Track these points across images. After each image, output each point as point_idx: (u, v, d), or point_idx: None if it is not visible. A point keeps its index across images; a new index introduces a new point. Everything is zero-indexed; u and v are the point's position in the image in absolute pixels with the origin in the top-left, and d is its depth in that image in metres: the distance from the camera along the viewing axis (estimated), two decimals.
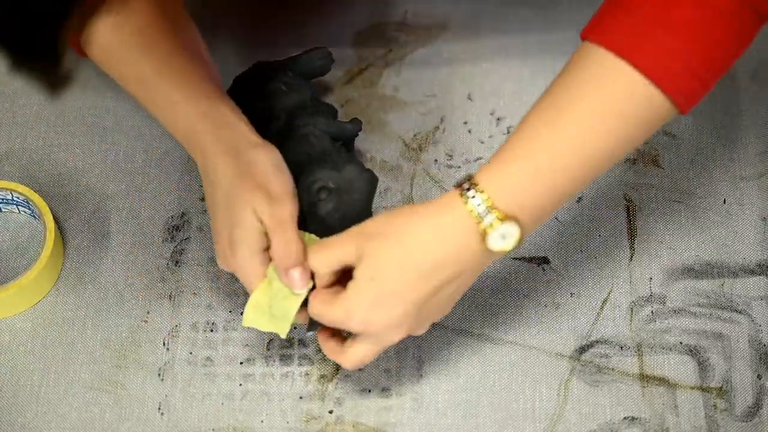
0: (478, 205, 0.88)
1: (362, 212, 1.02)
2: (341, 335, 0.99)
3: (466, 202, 0.89)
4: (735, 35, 0.87)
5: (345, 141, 1.11)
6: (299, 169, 1.03)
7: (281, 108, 1.09)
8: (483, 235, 0.89)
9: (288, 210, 0.96)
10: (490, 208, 0.88)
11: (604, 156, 0.89)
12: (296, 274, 0.96)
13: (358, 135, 1.12)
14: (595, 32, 0.88)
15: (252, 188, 0.96)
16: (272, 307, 0.98)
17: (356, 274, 0.92)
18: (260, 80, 1.11)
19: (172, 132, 1.01)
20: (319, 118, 1.08)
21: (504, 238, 0.89)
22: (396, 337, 0.94)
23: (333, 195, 1.01)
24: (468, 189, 0.89)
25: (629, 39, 0.86)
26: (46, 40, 0.67)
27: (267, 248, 0.97)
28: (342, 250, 0.94)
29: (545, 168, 0.88)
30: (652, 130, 0.89)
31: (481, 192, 0.88)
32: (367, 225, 0.94)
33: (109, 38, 0.99)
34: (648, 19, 0.86)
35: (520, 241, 0.89)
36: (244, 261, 0.96)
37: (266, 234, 0.96)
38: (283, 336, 0.98)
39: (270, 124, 1.08)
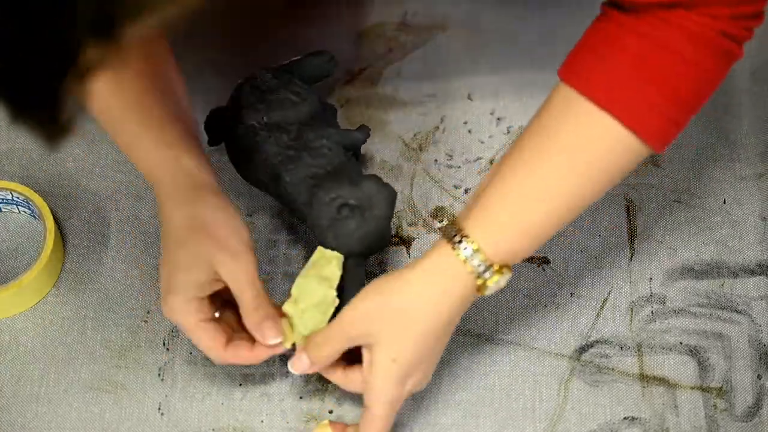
0: (477, 264, 0.91)
1: (383, 228, 1.03)
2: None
3: (464, 261, 0.91)
4: (708, 78, 0.89)
5: (354, 150, 1.11)
6: (315, 183, 1.03)
7: (292, 120, 1.09)
8: (481, 286, 0.93)
9: (253, 266, 0.98)
10: (488, 265, 0.91)
11: (584, 198, 0.92)
12: (268, 326, 0.98)
13: (365, 141, 1.12)
14: (572, 76, 0.90)
15: (212, 245, 0.97)
16: (298, 326, 1.00)
17: (375, 358, 0.94)
18: (267, 89, 1.10)
19: (142, 170, 1.02)
20: (330, 129, 1.08)
21: (497, 284, 0.93)
22: (421, 386, 0.98)
23: (356, 212, 1.01)
24: (460, 242, 0.91)
25: (608, 90, 0.88)
26: (46, 93, 0.67)
27: (202, 298, 0.98)
28: (346, 341, 0.96)
29: (529, 213, 0.91)
30: (629, 170, 0.91)
31: (475, 248, 0.91)
32: (367, 305, 0.95)
33: (104, 101, 1.00)
34: (624, 69, 0.87)
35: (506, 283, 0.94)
36: (178, 305, 0.98)
37: (207, 285, 0.98)
38: None
39: (281, 136, 1.07)
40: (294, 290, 1.00)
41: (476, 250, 0.91)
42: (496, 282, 0.92)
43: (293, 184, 1.05)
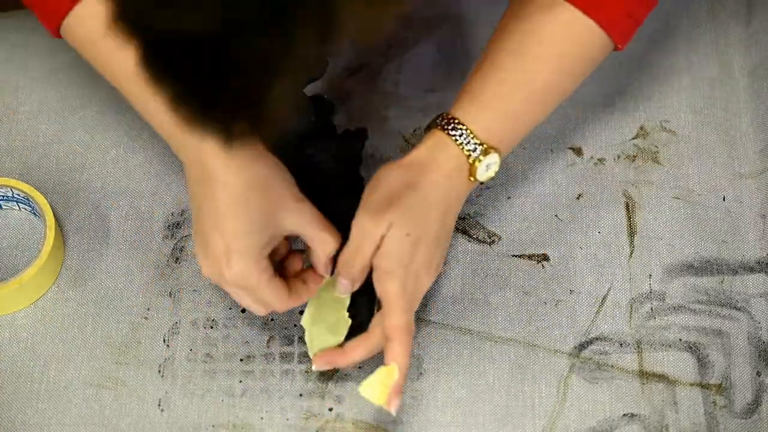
0: (465, 141, 0.98)
1: None
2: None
3: (455, 140, 0.98)
4: None
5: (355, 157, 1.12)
6: (315, 202, 1.03)
7: (291, 134, 1.08)
8: (471, 168, 0.98)
9: (313, 206, 1.00)
10: (475, 142, 0.98)
11: (558, 87, 1.01)
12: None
13: (364, 146, 1.12)
14: None
15: (273, 201, 0.96)
16: (314, 342, 1.03)
17: (390, 236, 0.97)
18: None
19: (160, 130, 1.00)
20: (329, 142, 1.08)
21: (488, 169, 0.99)
22: (427, 280, 0.99)
23: None
24: (451, 126, 0.98)
25: None
26: (256, 89, 0.70)
27: (266, 256, 0.98)
28: (372, 243, 0.98)
29: (512, 99, 0.99)
30: (595, 64, 1.01)
31: (464, 127, 0.98)
32: (381, 193, 0.98)
33: (99, 23, 0.96)
34: None
35: (498, 171, 1.00)
36: (247, 269, 0.97)
37: (270, 244, 0.97)
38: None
39: (280, 152, 1.07)
40: (308, 312, 1.02)
41: (469, 134, 0.98)
42: (483, 162, 0.98)
43: None
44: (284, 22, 0.67)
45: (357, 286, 1.00)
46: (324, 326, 1.01)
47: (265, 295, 0.98)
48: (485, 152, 0.98)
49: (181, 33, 0.67)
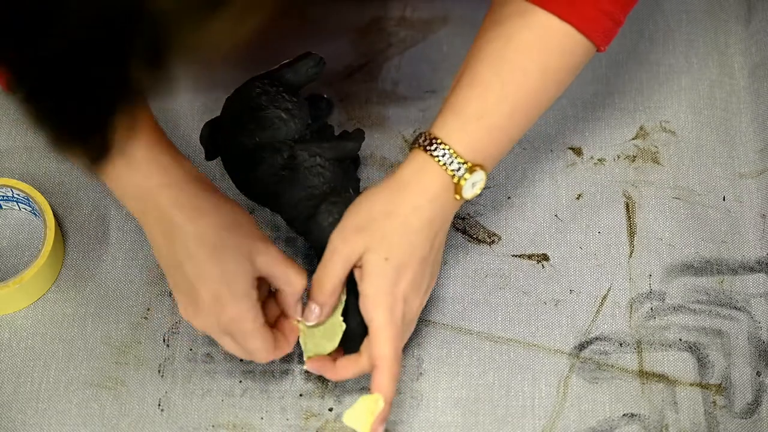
0: (449, 161, 0.96)
1: None
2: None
3: (438, 160, 0.96)
4: None
5: (350, 158, 1.11)
6: (312, 204, 1.03)
7: (284, 137, 1.07)
8: (457, 187, 0.97)
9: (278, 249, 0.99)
10: (459, 161, 0.96)
11: (542, 97, 0.99)
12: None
13: (360, 148, 1.12)
14: None
15: (247, 242, 0.96)
16: (308, 345, 1.02)
17: (368, 260, 0.96)
18: (256, 106, 1.08)
19: (114, 188, 0.98)
20: (323, 144, 1.07)
21: (473, 186, 0.98)
22: (418, 302, 0.99)
23: None
24: (433, 147, 0.96)
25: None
26: (97, 119, 0.69)
27: (258, 299, 0.98)
28: (343, 264, 0.97)
29: (495, 112, 0.97)
30: (578, 68, 1.00)
31: (447, 147, 0.96)
32: (354, 219, 0.98)
33: None
34: None
35: (483, 186, 0.98)
36: (243, 313, 0.96)
37: (256, 285, 0.97)
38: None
39: (274, 156, 1.07)
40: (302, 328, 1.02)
41: (452, 153, 0.96)
42: (468, 180, 0.96)
43: (290, 205, 1.05)
44: (114, 48, 0.66)
45: (327, 312, 1.00)
46: (319, 330, 1.01)
47: (253, 344, 0.98)
48: (470, 170, 0.96)
49: (32, 57, 0.66)
